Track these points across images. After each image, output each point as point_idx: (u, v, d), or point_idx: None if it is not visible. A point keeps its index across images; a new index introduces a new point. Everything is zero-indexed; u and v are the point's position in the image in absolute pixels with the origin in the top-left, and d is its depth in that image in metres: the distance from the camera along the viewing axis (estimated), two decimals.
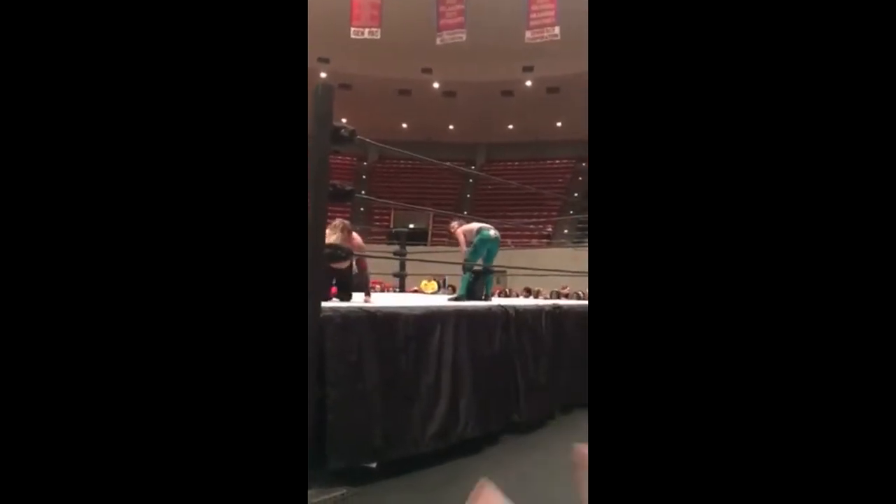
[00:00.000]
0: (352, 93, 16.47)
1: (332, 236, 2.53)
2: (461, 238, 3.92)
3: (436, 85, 18.16)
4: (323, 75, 17.00)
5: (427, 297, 4.50)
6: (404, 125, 19.61)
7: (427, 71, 17.42)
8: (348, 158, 19.82)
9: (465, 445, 2.43)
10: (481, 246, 3.77)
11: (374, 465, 2.06)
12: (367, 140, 2.36)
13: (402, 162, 20.49)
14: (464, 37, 10.78)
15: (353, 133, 2.20)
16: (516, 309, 2.94)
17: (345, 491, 1.89)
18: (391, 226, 15.23)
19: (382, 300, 3.01)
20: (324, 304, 1.99)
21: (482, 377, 2.53)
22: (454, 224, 4.18)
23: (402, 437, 2.16)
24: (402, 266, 6.12)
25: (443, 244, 15.17)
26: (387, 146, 2.60)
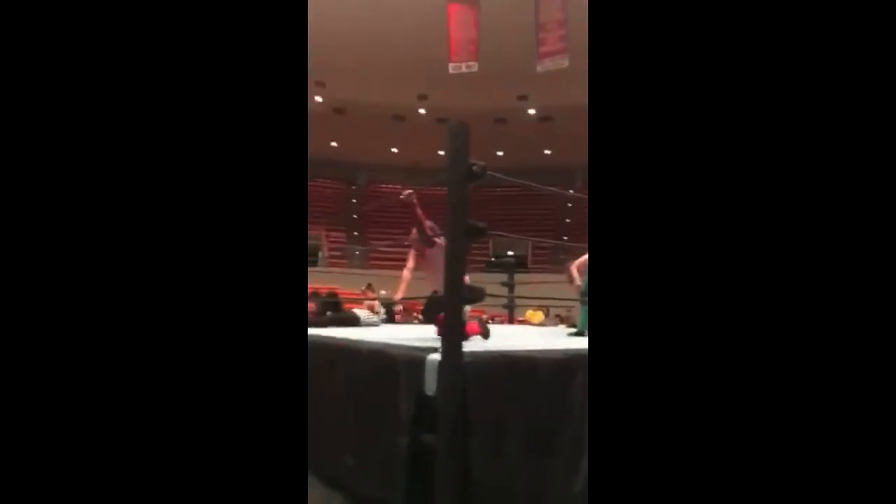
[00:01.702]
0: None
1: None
2: (575, 273, 3.76)
3: (531, 111, 18.09)
4: (422, 111, 17.69)
5: (549, 333, 4.28)
6: (499, 153, 19.69)
7: (522, 98, 17.42)
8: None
9: None
10: None
11: None
12: (497, 175, 2.27)
13: (497, 189, 20.53)
14: (566, 63, 10.61)
15: (484, 169, 2.13)
16: None
17: None
18: (490, 254, 15.17)
19: (504, 337, 2.87)
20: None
21: None
22: (569, 264, 4.05)
23: (547, 495, 1.97)
24: (511, 298, 5.97)
25: (544, 271, 14.87)
26: (514, 179, 2.50)
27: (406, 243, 2.91)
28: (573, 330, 3.93)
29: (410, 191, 2.61)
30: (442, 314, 2.67)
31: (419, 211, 2.57)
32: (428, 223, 2.63)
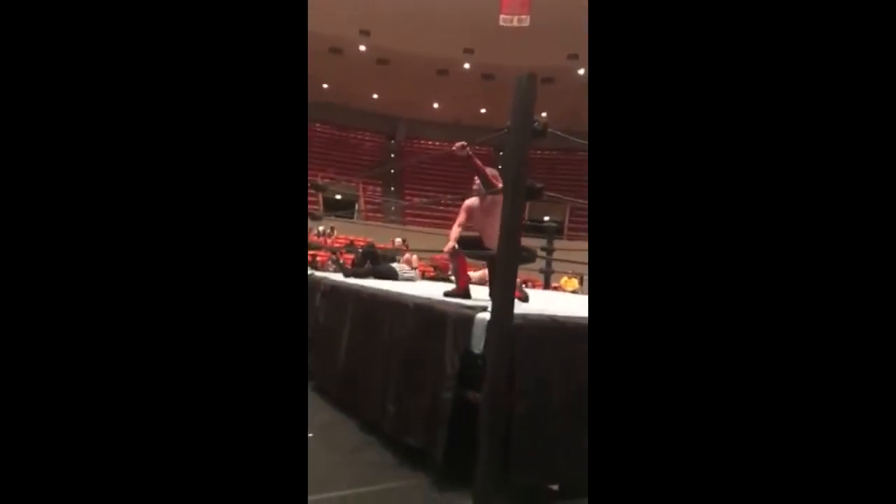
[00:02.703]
0: (494, 83, 16.43)
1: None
2: None
3: (581, 72, 17.34)
4: (467, 66, 17.18)
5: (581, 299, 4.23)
6: (544, 114, 19.10)
7: (573, 57, 16.67)
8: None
9: None
10: None
11: (556, 486, 1.91)
12: (559, 132, 2.18)
13: (536, 152, 20.05)
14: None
15: (545, 127, 2.04)
16: None
17: None
18: (526, 218, 14.96)
19: (544, 302, 2.83)
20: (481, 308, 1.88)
21: None
22: None
23: (582, 459, 1.98)
24: (549, 262, 5.91)
25: (580, 238, 14.60)
26: (573, 138, 2.40)
27: (465, 196, 2.85)
28: None
29: (463, 143, 2.53)
30: (458, 258, 2.65)
31: (476, 160, 2.49)
32: (490, 170, 2.56)
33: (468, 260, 2.79)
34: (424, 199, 16.80)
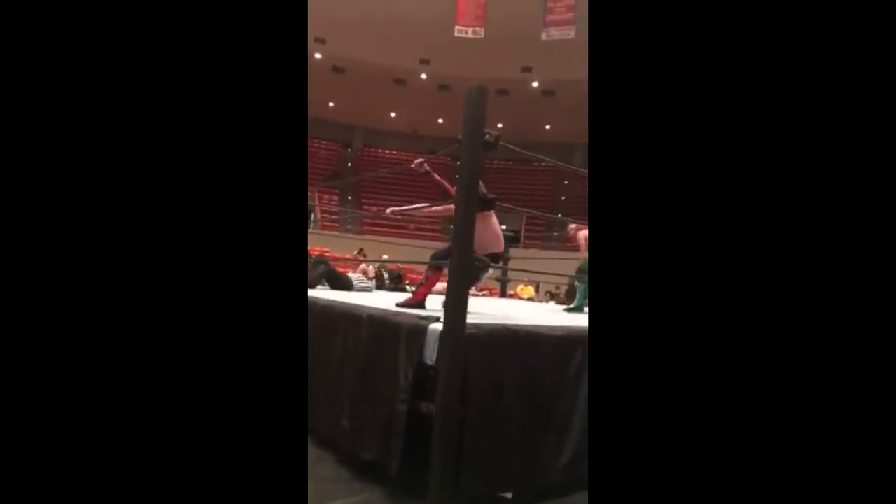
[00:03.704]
0: (451, 94, 16.58)
1: None
2: (583, 243, 3.65)
3: (535, 84, 17.79)
4: (423, 76, 17.28)
5: (545, 310, 4.29)
6: (500, 125, 19.44)
7: (527, 70, 17.08)
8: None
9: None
10: None
11: (509, 495, 1.92)
12: (509, 145, 2.22)
13: (494, 162, 20.31)
14: (573, 33, 10.37)
15: (497, 139, 2.08)
16: None
17: None
18: None
19: (502, 310, 2.86)
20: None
21: None
22: (573, 227, 3.94)
23: (535, 467, 2.00)
24: (505, 271, 5.98)
25: (535, 247, 14.86)
26: (527, 152, 2.45)
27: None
28: (570, 306, 3.94)
29: (421, 159, 2.53)
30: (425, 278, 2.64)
31: (435, 175, 2.48)
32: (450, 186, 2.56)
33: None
34: (381, 209, 16.71)
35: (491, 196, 2.10)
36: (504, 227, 2.65)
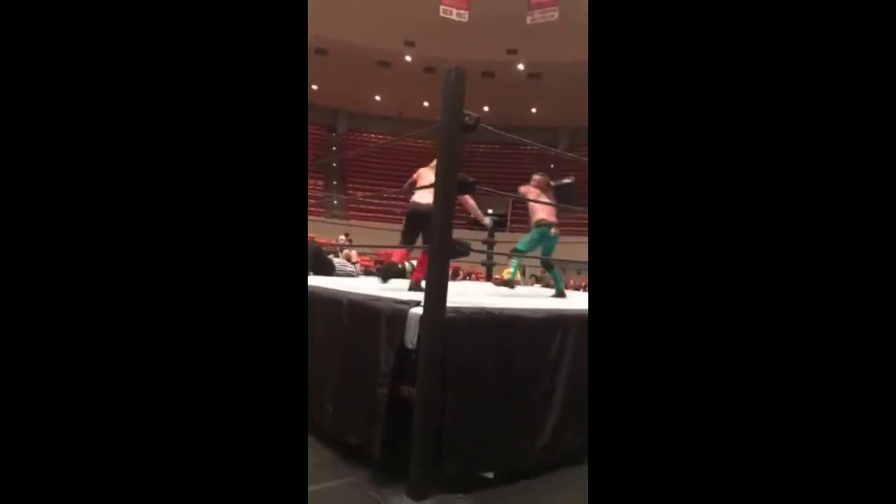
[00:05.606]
0: (436, 77, 16.40)
1: None
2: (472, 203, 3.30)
3: (520, 67, 17.66)
4: (408, 59, 17.05)
5: (530, 294, 4.32)
6: (486, 108, 19.34)
7: (512, 52, 16.94)
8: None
9: (569, 457, 2.27)
10: (539, 240, 3.55)
11: (490, 475, 1.95)
12: (491, 128, 2.20)
13: (480, 146, 20.25)
14: (556, 15, 10.27)
15: (477, 121, 2.06)
16: None
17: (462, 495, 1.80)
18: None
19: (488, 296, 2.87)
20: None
21: None
22: (528, 186, 3.76)
23: (513, 448, 2.03)
24: (490, 255, 6.00)
25: (522, 231, 14.90)
26: (509, 134, 2.44)
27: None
28: (555, 292, 3.95)
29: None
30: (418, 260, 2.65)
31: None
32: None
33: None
34: (368, 194, 16.59)
35: (470, 180, 2.09)
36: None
